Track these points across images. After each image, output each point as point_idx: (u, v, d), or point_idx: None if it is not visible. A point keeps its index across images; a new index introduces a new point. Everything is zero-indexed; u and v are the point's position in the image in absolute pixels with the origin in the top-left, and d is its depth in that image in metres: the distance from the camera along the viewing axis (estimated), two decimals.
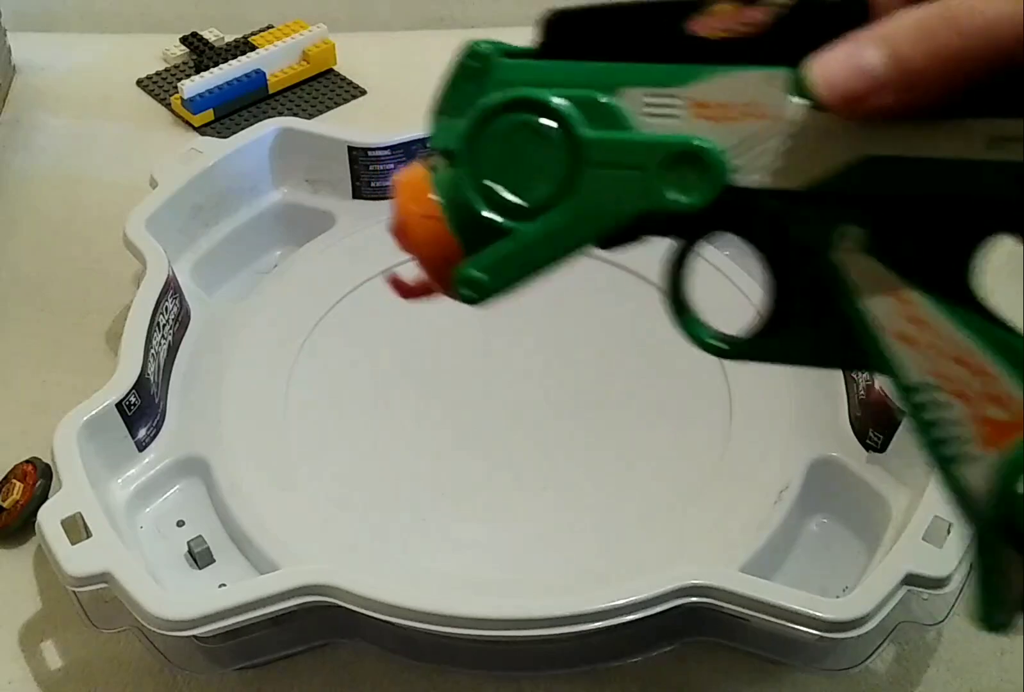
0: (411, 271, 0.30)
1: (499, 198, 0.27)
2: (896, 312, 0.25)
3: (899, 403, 0.26)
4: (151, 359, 0.55)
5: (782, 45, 0.25)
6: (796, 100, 0.25)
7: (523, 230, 0.27)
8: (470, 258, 0.28)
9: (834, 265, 0.26)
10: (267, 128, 0.66)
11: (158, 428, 0.55)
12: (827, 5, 0.25)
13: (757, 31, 0.26)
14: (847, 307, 0.26)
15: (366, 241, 0.66)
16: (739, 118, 0.26)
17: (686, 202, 0.26)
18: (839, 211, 0.25)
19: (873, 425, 0.53)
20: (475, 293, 0.28)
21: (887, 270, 0.25)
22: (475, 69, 0.28)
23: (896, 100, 0.23)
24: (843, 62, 0.23)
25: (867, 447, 0.54)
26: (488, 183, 0.27)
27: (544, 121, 0.27)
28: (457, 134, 0.27)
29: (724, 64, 0.26)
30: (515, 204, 0.27)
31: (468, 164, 0.27)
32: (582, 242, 0.27)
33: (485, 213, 0.27)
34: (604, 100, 0.27)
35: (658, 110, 0.26)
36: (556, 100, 0.27)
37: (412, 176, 0.29)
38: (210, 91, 0.79)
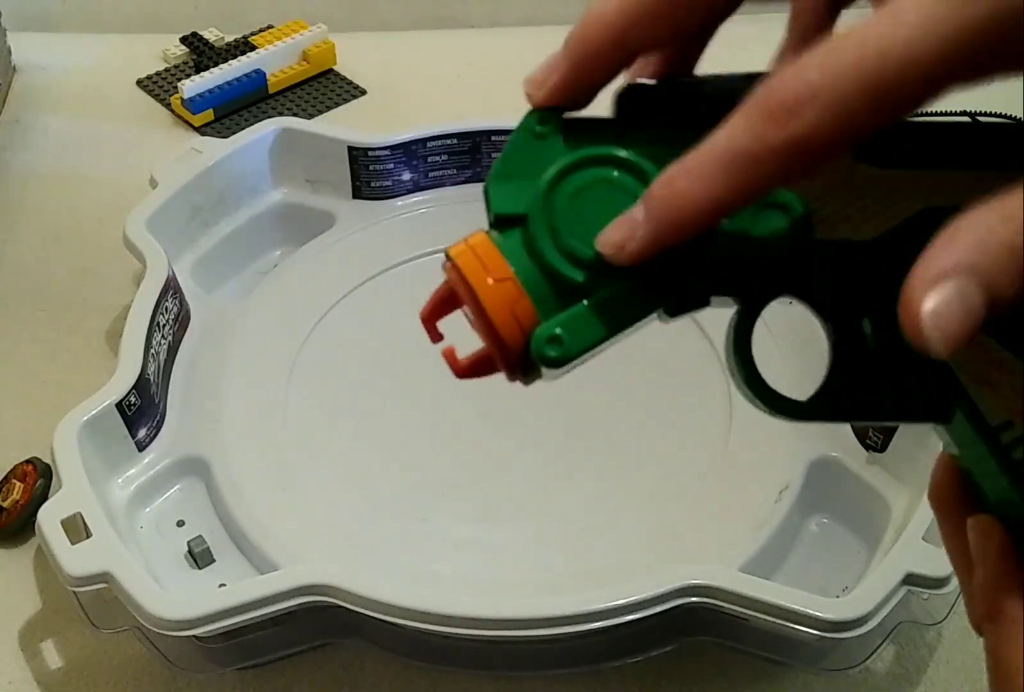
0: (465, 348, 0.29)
1: (579, 255, 0.27)
2: (974, 355, 0.25)
3: (984, 449, 0.26)
4: (151, 359, 0.55)
5: None
6: (858, 164, 0.26)
7: (605, 286, 0.27)
8: (550, 320, 0.27)
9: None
10: (267, 128, 0.66)
11: (158, 428, 0.55)
12: None
13: None
14: (926, 356, 0.26)
15: (366, 241, 0.66)
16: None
17: (770, 233, 0.27)
18: (907, 260, 0.26)
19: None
20: (557, 352, 0.27)
21: None
22: (542, 132, 0.28)
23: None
24: (958, 315, 0.22)
25: (867, 447, 0.54)
26: (567, 240, 0.27)
27: (619, 174, 0.27)
28: (528, 196, 0.27)
29: None
30: (595, 260, 0.27)
31: (545, 223, 0.27)
32: (664, 296, 0.27)
33: (566, 271, 0.27)
34: (678, 153, 0.27)
35: None
36: (629, 153, 0.27)
37: (473, 243, 0.28)
38: (210, 91, 0.79)
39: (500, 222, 0.28)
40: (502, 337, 0.27)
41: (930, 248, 0.22)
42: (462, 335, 0.29)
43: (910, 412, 0.27)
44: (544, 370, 0.28)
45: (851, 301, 0.27)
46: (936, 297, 0.22)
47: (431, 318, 0.30)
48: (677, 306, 0.28)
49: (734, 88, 0.26)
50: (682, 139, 0.26)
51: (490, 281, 0.27)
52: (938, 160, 0.26)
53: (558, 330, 0.27)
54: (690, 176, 0.24)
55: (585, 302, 0.27)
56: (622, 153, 0.27)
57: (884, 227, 0.26)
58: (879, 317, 0.27)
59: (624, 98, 0.28)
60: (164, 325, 0.57)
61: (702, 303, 0.28)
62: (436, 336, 0.30)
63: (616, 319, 0.28)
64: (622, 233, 0.25)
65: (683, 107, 0.27)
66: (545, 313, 0.27)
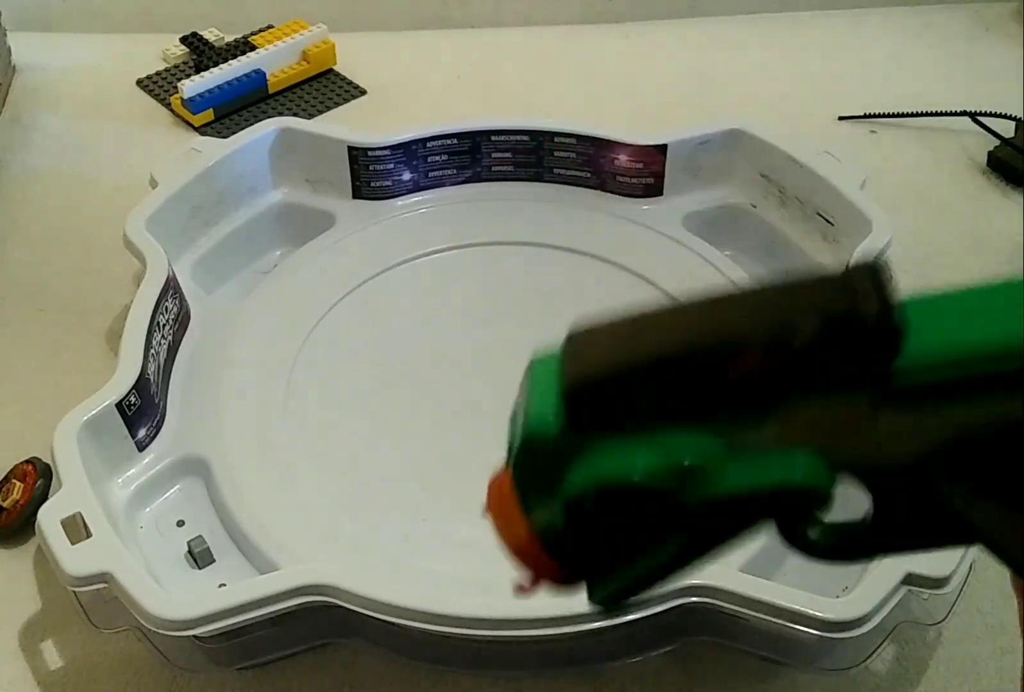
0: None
1: (607, 560, 0.28)
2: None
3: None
4: (151, 359, 0.55)
5: (817, 370, 0.25)
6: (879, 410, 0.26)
7: (637, 568, 0.28)
8: (594, 590, 0.29)
9: (951, 513, 0.26)
10: (267, 128, 0.66)
11: (158, 428, 0.55)
12: (855, 329, 0.25)
13: (788, 362, 0.25)
14: (977, 541, 0.27)
15: (366, 241, 0.66)
16: (828, 430, 0.26)
17: (808, 535, 0.27)
18: (945, 474, 0.26)
19: None
20: (607, 612, 0.29)
21: (1002, 507, 0.26)
22: (543, 453, 0.28)
23: None
24: None
25: None
26: (595, 551, 0.28)
27: (640, 499, 0.26)
28: (551, 514, 0.28)
29: (774, 399, 0.26)
30: (623, 562, 0.28)
31: (572, 539, 0.28)
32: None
33: (596, 583, 0.29)
34: (689, 464, 0.26)
35: (747, 447, 0.26)
36: (643, 478, 0.26)
37: (510, 522, 0.30)
38: (210, 91, 0.79)
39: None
40: (544, 577, 0.30)
41: None
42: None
43: (945, 543, 0.29)
44: None
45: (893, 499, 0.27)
46: None
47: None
48: None
49: (692, 368, 0.26)
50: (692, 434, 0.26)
51: (532, 555, 0.29)
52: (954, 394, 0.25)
53: (604, 601, 0.29)
54: None
55: (619, 580, 0.28)
56: (640, 480, 0.26)
57: (922, 451, 0.26)
58: (921, 510, 0.27)
59: (574, 403, 0.27)
60: (164, 325, 0.57)
61: None
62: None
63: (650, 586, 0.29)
64: None
65: (652, 394, 0.26)
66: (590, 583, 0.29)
